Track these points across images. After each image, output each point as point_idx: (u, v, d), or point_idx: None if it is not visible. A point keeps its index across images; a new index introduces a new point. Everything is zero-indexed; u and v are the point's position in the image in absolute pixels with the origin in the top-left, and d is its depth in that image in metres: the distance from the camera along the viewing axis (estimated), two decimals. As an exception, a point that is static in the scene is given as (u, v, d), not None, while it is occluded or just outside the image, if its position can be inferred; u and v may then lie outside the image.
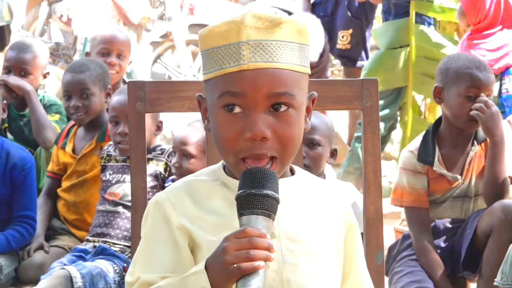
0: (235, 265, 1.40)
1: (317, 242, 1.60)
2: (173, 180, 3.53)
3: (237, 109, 1.53)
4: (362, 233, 1.80)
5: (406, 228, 3.51)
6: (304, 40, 1.57)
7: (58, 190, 4.00)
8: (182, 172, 3.36)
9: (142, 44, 7.42)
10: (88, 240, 3.70)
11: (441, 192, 3.41)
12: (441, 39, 5.35)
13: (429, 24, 5.40)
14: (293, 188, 1.62)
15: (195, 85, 2.06)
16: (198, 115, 1.67)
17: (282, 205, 1.50)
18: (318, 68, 5.62)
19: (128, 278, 1.57)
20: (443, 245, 3.39)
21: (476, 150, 3.40)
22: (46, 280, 3.37)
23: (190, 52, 7.49)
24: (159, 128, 3.76)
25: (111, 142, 3.79)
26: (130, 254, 3.45)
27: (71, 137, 4.02)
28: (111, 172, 3.76)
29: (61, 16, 7.00)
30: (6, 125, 4.45)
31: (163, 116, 3.80)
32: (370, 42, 6.55)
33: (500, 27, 5.23)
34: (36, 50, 4.44)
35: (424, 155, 3.39)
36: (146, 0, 7.36)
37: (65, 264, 3.48)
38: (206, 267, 1.45)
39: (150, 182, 3.62)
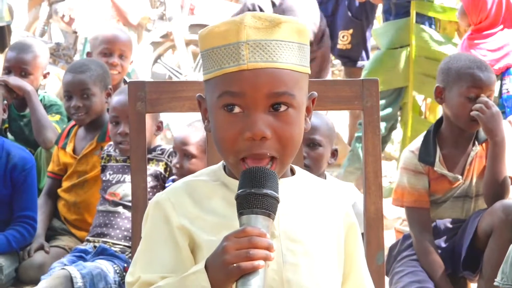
0: (234, 265, 1.40)
1: (318, 242, 1.59)
2: (173, 180, 3.53)
3: (236, 109, 1.53)
4: (362, 234, 1.80)
5: (406, 228, 3.51)
6: (303, 40, 1.57)
7: (59, 190, 4.00)
8: (183, 172, 3.36)
9: (143, 44, 7.42)
10: (88, 241, 3.70)
11: (442, 192, 3.41)
12: (441, 39, 5.35)
13: (430, 24, 5.39)
14: (294, 188, 1.62)
15: (195, 85, 2.06)
16: (199, 115, 1.67)
17: (283, 205, 1.50)
18: (319, 52, 5.55)
19: (128, 278, 1.57)
20: (443, 245, 3.39)
21: (477, 150, 3.40)
22: (46, 281, 3.37)
23: (190, 52, 7.49)
24: (159, 128, 3.76)
25: (111, 142, 3.79)
26: (130, 254, 3.45)
27: (71, 137, 4.02)
28: (111, 172, 3.76)
29: (63, 16, 7.00)
30: (7, 125, 4.45)
31: (165, 115, 3.80)
32: (371, 42, 6.55)
33: (501, 26, 5.23)
34: (36, 50, 4.44)
35: (425, 155, 3.39)
36: (146, 0, 7.37)
37: (65, 264, 3.48)
38: (206, 267, 1.45)
39: (150, 182, 3.62)
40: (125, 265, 3.52)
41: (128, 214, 3.61)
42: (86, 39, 6.76)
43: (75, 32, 7.04)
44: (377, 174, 2.06)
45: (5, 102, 4.00)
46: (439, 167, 3.37)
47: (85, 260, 3.56)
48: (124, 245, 3.63)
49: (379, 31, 5.66)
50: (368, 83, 2.07)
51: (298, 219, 1.59)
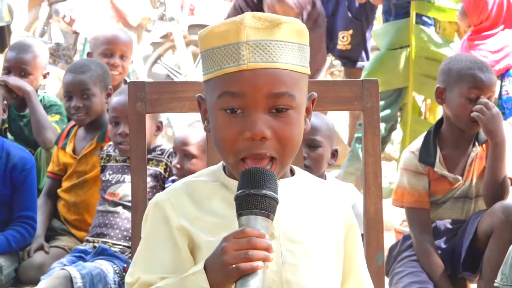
0: (233, 266, 1.40)
1: (317, 242, 1.59)
2: (173, 181, 3.52)
3: (236, 110, 1.53)
4: (362, 234, 1.80)
5: (406, 229, 3.51)
6: (303, 40, 1.57)
7: (58, 191, 4.00)
8: (184, 172, 3.36)
9: (143, 44, 7.42)
10: (87, 241, 3.69)
11: (442, 193, 3.41)
12: (441, 40, 5.35)
13: (430, 24, 5.39)
14: (293, 189, 1.62)
15: (195, 85, 2.06)
16: (199, 115, 1.67)
17: (282, 205, 1.50)
18: (313, 20, 5.42)
19: (128, 278, 1.57)
20: (443, 245, 3.39)
21: (477, 151, 3.40)
22: (46, 281, 3.37)
23: (190, 52, 7.50)
24: (159, 128, 3.76)
25: (110, 143, 3.78)
26: (130, 255, 3.45)
27: (71, 137, 4.02)
28: (110, 172, 3.75)
29: (64, 16, 7.00)
30: (7, 125, 4.45)
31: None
32: (371, 42, 6.55)
33: (501, 27, 5.23)
34: (36, 50, 4.44)
35: (425, 156, 3.39)
36: (146, 0, 7.37)
37: (65, 265, 3.48)
38: (205, 268, 1.45)
39: (150, 183, 3.62)
40: (125, 265, 3.52)
41: (127, 214, 3.61)
42: (86, 39, 6.76)
43: (75, 32, 7.05)
44: (377, 175, 2.05)
45: (5, 102, 4.00)
46: (439, 168, 3.37)
47: (84, 260, 3.56)
48: (124, 245, 3.62)
49: (379, 32, 5.66)
50: (368, 84, 2.07)
51: (298, 220, 1.59)
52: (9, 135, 4.46)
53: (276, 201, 1.46)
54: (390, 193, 3.67)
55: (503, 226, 3.16)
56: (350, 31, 6.41)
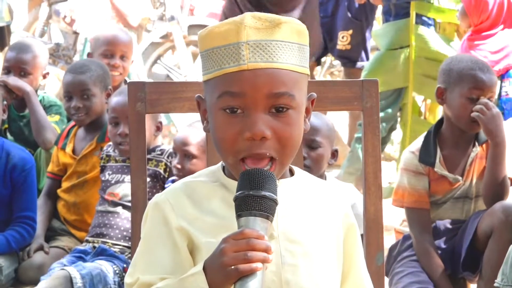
0: (232, 267, 1.40)
1: (317, 243, 1.59)
2: (173, 181, 3.52)
3: (236, 110, 1.53)
4: (362, 235, 1.79)
5: (406, 229, 3.51)
6: (303, 40, 1.57)
7: (58, 191, 4.00)
8: (184, 172, 3.36)
9: (143, 44, 7.42)
10: (87, 241, 3.69)
11: (442, 193, 3.41)
12: (441, 40, 5.35)
13: (429, 25, 5.39)
14: (293, 189, 1.62)
15: (195, 86, 2.06)
16: (199, 116, 1.66)
17: (281, 206, 1.50)
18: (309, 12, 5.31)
19: (127, 279, 1.57)
20: (443, 245, 3.38)
21: (477, 151, 3.40)
22: (46, 281, 3.36)
23: (190, 52, 7.50)
24: (158, 128, 3.76)
25: (110, 143, 3.78)
26: (129, 255, 3.45)
27: (71, 137, 4.02)
28: (110, 172, 3.75)
29: (65, 17, 7.01)
30: (6, 126, 4.45)
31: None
32: (370, 43, 6.55)
33: (501, 27, 5.23)
34: (35, 50, 4.44)
35: (426, 156, 3.39)
36: (146, 1, 7.37)
37: (65, 265, 3.48)
38: (204, 269, 1.45)
39: (149, 183, 3.62)
40: (125, 265, 3.52)
41: (127, 214, 3.61)
42: (86, 40, 6.76)
43: (75, 33, 7.04)
44: (377, 175, 2.05)
45: (5, 102, 4.00)
46: (439, 168, 3.37)
47: (84, 260, 3.55)
48: (124, 246, 3.62)
49: (379, 32, 5.66)
50: (368, 84, 2.07)
51: (297, 220, 1.59)
52: (9, 135, 4.46)
53: (275, 202, 1.46)
54: (390, 193, 3.67)
55: (503, 226, 3.16)
56: (350, 31, 6.41)
